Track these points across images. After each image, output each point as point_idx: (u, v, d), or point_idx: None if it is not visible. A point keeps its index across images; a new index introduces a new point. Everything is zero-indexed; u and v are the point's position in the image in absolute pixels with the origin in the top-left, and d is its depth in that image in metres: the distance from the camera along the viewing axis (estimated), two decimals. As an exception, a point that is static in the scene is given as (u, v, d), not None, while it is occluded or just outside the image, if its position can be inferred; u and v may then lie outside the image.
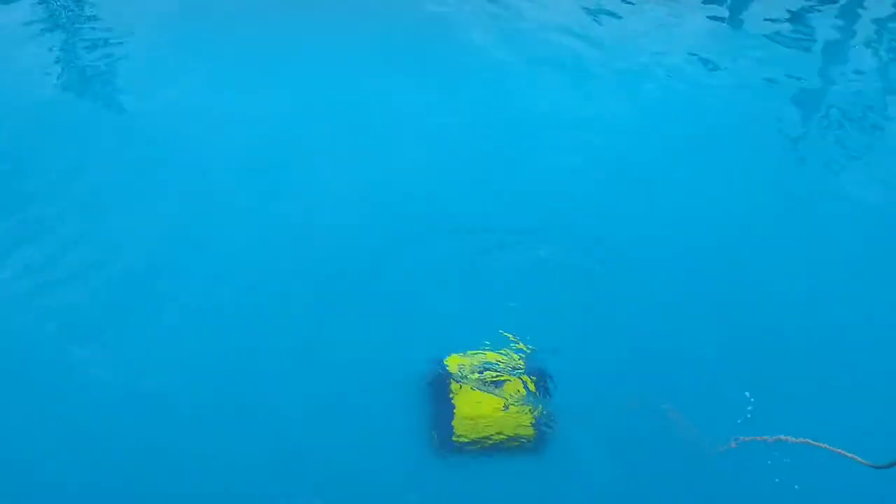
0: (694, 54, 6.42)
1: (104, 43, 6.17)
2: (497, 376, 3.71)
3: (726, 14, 7.10)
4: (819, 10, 7.12)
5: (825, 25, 6.91)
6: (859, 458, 3.00)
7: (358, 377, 3.80)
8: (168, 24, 6.39)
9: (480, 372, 3.72)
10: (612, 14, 6.84)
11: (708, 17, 7.02)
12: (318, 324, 4.02)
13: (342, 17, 6.57)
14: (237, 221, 4.67)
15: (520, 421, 3.58)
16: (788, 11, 7.01)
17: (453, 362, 3.79)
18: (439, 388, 3.70)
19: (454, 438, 3.54)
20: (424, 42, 6.35)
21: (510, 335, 3.93)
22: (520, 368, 3.77)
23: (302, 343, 3.93)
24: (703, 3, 7.17)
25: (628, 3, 6.97)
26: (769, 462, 3.43)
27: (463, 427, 3.55)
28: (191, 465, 3.47)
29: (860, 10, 7.11)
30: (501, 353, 3.84)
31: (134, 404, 3.68)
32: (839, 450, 3.06)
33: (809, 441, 3.19)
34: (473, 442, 3.53)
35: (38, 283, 4.18)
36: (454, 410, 3.60)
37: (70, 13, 6.62)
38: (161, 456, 3.50)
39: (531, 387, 3.70)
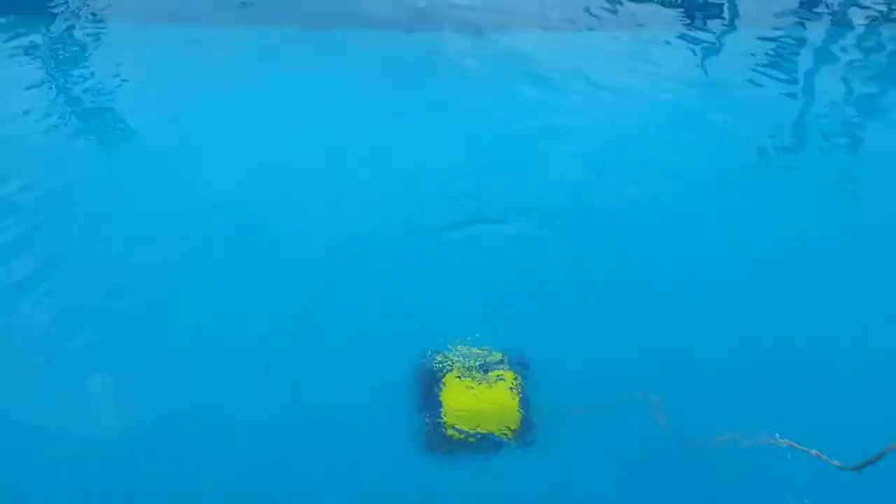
0: (692, 67, 6.55)
1: (92, 76, 6.24)
2: (482, 370, 3.75)
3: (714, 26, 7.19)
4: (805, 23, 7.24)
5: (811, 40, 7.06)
6: (835, 462, 3.03)
7: (346, 377, 3.82)
8: (157, 57, 6.44)
9: (469, 368, 3.76)
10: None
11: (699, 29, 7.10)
12: (310, 326, 4.05)
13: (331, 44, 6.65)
14: (228, 227, 4.73)
15: (508, 411, 3.61)
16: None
17: (442, 358, 3.82)
18: (428, 384, 3.73)
19: (446, 431, 3.56)
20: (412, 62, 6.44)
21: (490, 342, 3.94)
22: (507, 365, 3.81)
23: (290, 348, 3.95)
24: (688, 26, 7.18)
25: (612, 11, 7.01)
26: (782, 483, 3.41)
27: (454, 420, 3.58)
28: (189, 467, 3.49)
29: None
30: (487, 350, 3.88)
31: (123, 409, 3.70)
32: (815, 452, 3.09)
33: (788, 442, 3.21)
34: (465, 434, 3.56)
35: (29, 310, 4.19)
36: (444, 404, 3.63)
37: (56, 48, 6.62)
38: (156, 459, 3.52)
39: (515, 381, 3.73)
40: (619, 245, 4.62)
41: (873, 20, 7.29)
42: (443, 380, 3.71)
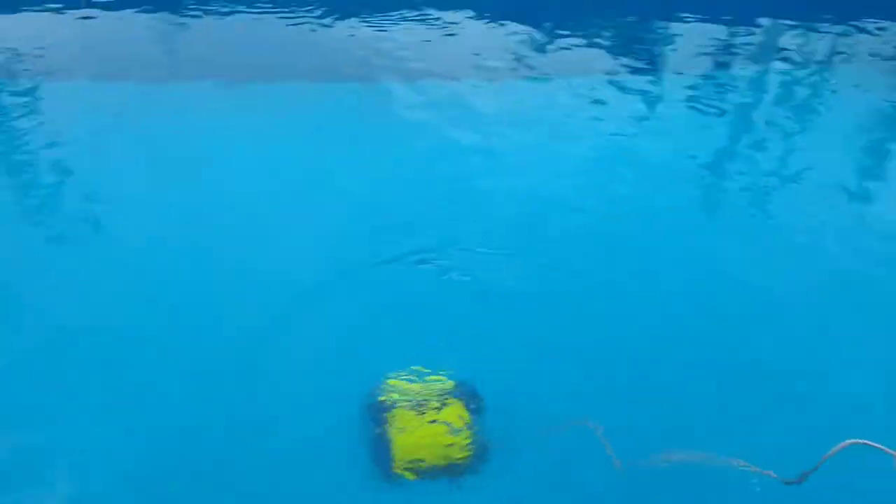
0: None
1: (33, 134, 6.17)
2: (431, 403, 3.76)
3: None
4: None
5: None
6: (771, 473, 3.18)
7: (293, 410, 3.83)
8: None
9: (417, 402, 3.76)
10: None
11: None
12: (265, 360, 4.05)
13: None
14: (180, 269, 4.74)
15: (457, 444, 3.61)
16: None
17: (389, 391, 3.83)
18: (377, 418, 3.72)
19: (394, 467, 3.54)
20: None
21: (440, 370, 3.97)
22: (453, 394, 3.82)
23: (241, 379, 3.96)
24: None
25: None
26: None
27: (402, 455, 3.56)
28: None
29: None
30: (434, 380, 3.89)
31: (84, 434, 3.70)
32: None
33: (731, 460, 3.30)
34: (413, 468, 3.54)
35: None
36: (392, 439, 3.61)
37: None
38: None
39: (464, 412, 3.73)
40: (570, 273, 4.70)
41: (787, 62, 7.70)
42: (389, 417, 3.70)
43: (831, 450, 3.14)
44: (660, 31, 8.30)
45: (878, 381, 4.02)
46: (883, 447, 3.20)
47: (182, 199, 5.36)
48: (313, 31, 7.71)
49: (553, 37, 7.81)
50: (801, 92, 7.33)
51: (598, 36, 7.87)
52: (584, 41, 7.77)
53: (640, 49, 7.80)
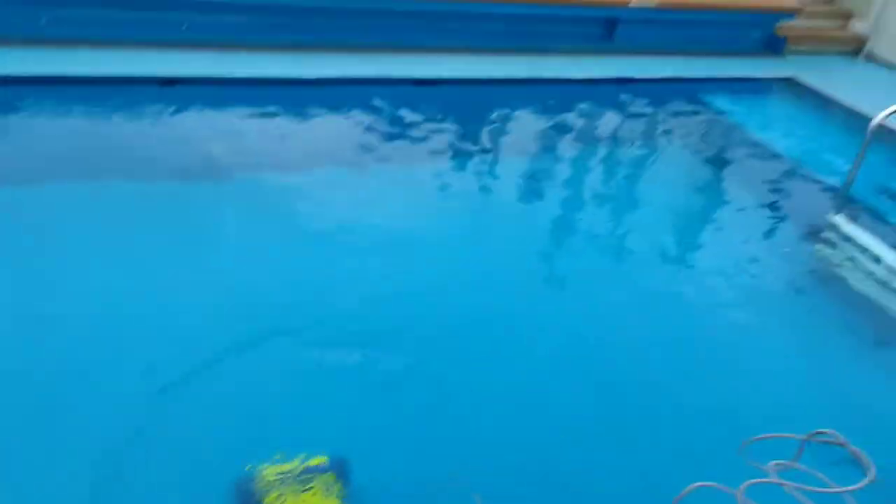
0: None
1: None
2: (305, 482, 3.65)
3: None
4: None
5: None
6: None
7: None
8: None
9: (290, 482, 3.63)
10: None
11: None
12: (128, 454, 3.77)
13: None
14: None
15: None
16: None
17: (262, 473, 3.66)
18: (250, 501, 3.57)
19: None
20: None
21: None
22: (328, 470, 3.73)
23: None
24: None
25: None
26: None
27: None
28: None
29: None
30: (306, 462, 3.79)
31: None
32: None
33: None
34: None
35: None
36: None
37: None
38: None
39: (339, 489, 3.66)
40: (435, 348, 4.82)
41: (612, 144, 8.55)
42: (263, 499, 3.52)
43: (681, 492, 3.52)
44: (495, 119, 8.84)
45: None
46: (727, 488, 3.64)
47: (26, 297, 4.80)
48: (157, 128, 7.41)
49: (394, 129, 8.10)
50: (624, 171, 8.10)
51: (437, 126, 8.27)
52: (422, 131, 8.07)
53: (475, 137, 8.19)
